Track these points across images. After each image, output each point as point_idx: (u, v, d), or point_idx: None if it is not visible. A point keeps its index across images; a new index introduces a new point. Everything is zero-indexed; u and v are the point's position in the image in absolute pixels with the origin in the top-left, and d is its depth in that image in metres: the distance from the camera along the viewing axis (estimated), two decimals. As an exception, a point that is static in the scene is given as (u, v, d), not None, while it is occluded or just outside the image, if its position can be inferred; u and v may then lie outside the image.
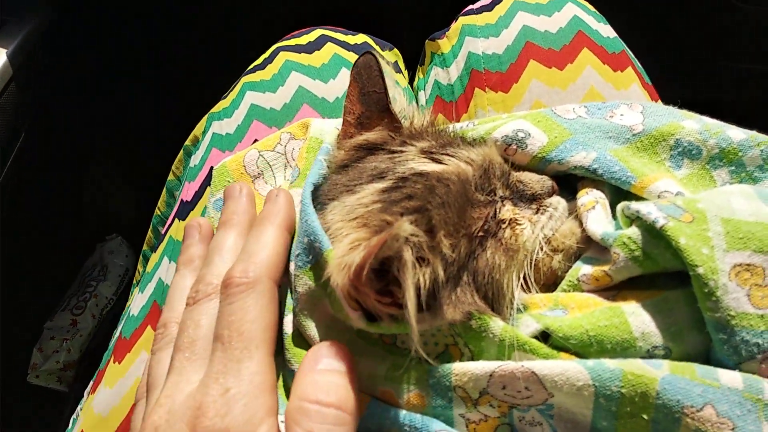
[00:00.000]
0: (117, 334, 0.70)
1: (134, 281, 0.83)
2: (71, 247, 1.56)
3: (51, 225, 1.40)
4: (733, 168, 0.54)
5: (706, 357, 0.46)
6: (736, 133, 0.54)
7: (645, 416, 0.41)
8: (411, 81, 0.88)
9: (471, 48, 0.74)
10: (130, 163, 1.59)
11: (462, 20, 0.78)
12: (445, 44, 0.79)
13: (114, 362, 0.65)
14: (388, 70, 0.55)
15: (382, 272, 0.43)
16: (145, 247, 0.83)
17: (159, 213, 0.83)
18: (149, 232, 0.83)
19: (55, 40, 1.22)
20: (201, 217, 0.61)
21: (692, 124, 0.55)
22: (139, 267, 0.84)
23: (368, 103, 0.56)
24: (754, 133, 0.54)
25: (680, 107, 0.58)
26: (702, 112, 0.57)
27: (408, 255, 0.42)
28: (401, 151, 0.53)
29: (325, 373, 0.42)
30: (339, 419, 0.39)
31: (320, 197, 0.52)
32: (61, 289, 1.54)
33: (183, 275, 0.53)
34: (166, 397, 0.42)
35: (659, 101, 0.72)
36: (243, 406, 0.39)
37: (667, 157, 0.54)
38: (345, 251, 0.44)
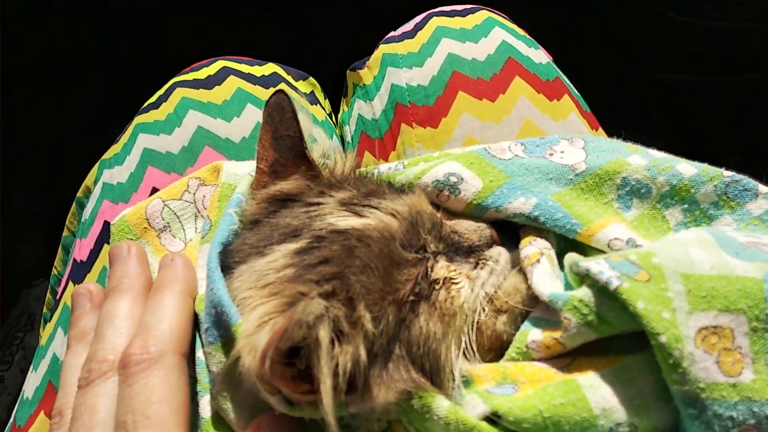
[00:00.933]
0: (11, 420, 0.61)
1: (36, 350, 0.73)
2: None
3: None
4: (686, 206, 0.50)
5: (676, 429, 0.40)
6: (686, 168, 0.50)
7: None
8: (336, 113, 0.82)
9: (394, 79, 0.68)
10: (52, 204, 1.50)
11: (383, 48, 0.72)
12: (366, 75, 0.73)
13: None
14: (303, 111, 0.49)
15: (296, 359, 0.37)
16: (45, 310, 0.74)
17: (56, 272, 0.73)
18: (47, 293, 0.73)
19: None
20: (91, 282, 0.53)
21: (639, 160, 0.50)
22: (40, 331, 0.74)
23: (282, 149, 0.50)
24: (705, 166, 0.50)
25: (624, 139, 0.53)
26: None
27: (324, 334, 0.36)
28: (318, 203, 0.46)
29: None
30: None
31: (228, 260, 0.45)
32: None
33: (76, 352, 0.46)
34: None
35: (599, 129, 0.68)
36: None
37: (615, 197, 0.50)
38: (252, 329, 0.37)
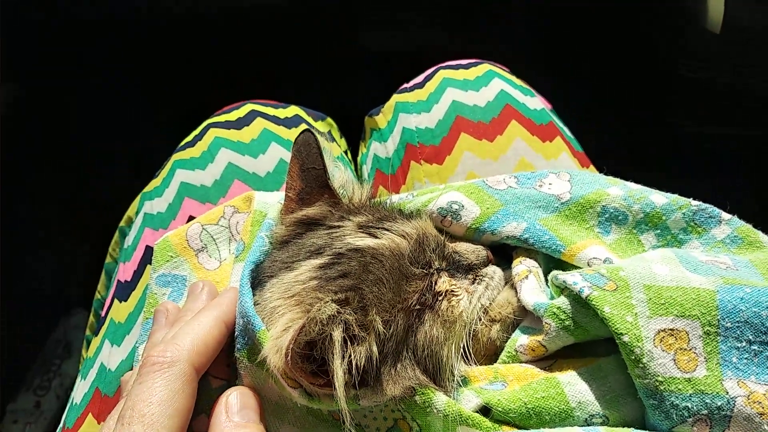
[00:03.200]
0: (61, 424, 0.67)
1: (80, 367, 0.80)
2: (33, 323, 1.49)
3: (12, 297, 1.35)
4: (658, 231, 0.56)
5: (642, 423, 0.46)
6: (658, 198, 0.57)
7: None
8: (354, 155, 0.90)
9: (405, 123, 0.77)
10: (91, 235, 1.57)
11: (396, 98, 0.81)
12: (381, 120, 0.82)
13: None
14: (326, 147, 0.57)
15: (314, 355, 0.43)
16: (87, 332, 0.81)
17: (99, 297, 0.81)
18: (90, 316, 0.81)
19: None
20: (170, 302, 0.59)
21: (617, 191, 0.57)
22: (83, 352, 0.81)
23: (308, 180, 0.57)
24: (675, 196, 0.57)
25: (606, 173, 0.61)
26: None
27: (337, 335, 0.42)
28: (339, 226, 0.53)
29: (244, 429, 0.43)
30: None
31: (260, 275, 0.52)
32: (22, 367, 1.46)
33: None
34: None
35: (591, 166, 0.75)
36: None
37: (596, 223, 0.57)
38: (279, 332, 0.44)
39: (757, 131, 1.52)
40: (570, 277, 0.48)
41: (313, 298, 0.46)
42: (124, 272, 0.70)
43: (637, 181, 0.60)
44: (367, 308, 0.46)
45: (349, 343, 0.43)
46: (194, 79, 1.54)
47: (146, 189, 0.76)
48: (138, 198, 0.76)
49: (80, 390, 0.66)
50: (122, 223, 0.78)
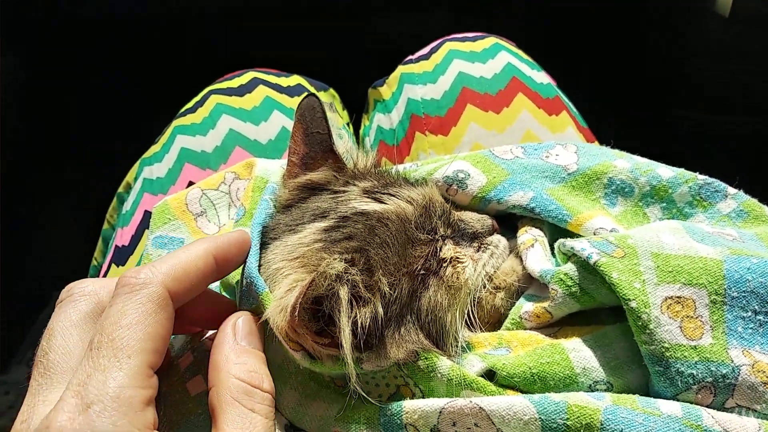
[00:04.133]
0: None
1: None
2: (27, 298, 1.49)
3: (5, 274, 1.34)
4: (664, 205, 0.56)
5: (646, 390, 0.46)
6: (665, 171, 0.57)
7: None
8: (356, 129, 0.90)
9: (410, 94, 0.76)
10: (88, 210, 1.57)
11: (401, 69, 0.81)
12: (385, 91, 0.81)
13: None
14: (331, 112, 0.56)
15: (320, 313, 0.43)
16: None
17: (95, 263, 0.80)
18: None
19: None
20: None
21: (623, 163, 0.57)
22: None
23: (312, 144, 0.57)
24: (681, 170, 0.57)
25: (613, 147, 0.60)
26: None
27: (343, 293, 0.42)
28: (344, 191, 0.53)
29: (249, 355, 0.42)
30: (270, 402, 0.40)
31: (264, 237, 0.52)
32: (16, 341, 1.47)
33: None
34: (21, 422, 0.36)
35: (595, 142, 0.75)
36: (110, 425, 0.33)
37: (602, 195, 0.56)
38: (283, 293, 0.44)
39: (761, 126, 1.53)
40: (578, 244, 0.48)
41: (319, 258, 0.46)
42: (122, 237, 0.69)
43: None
44: (372, 269, 0.46)
45: (354, 303, 0.43)
46: (194, 80, 1.54)
47: (145, 155, 0.76)
48: (137, 164, 0.76)
49: None
50: (120, 189, 0.78)
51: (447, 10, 1.53)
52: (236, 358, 0.41)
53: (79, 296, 0.41)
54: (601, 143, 0.77)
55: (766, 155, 1.48)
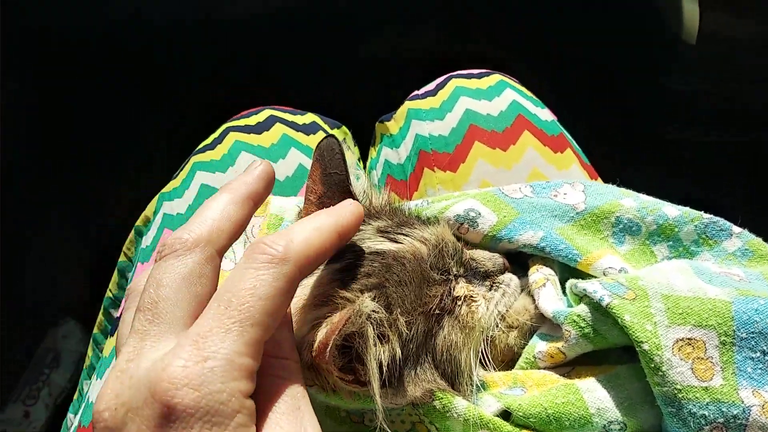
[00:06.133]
0: (75, 423, 0.66)
1: (84, 367, 0.80)
2: (21, 333, 1.48)
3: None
4: (671, 243, 0.57)
5: (659, 430, 0.47)
6: (671, 210, 0.58)
7: None
8: (363, 159, 0.91)
9: (418, 130, 0.77)
10: (80, 242, 1.56)
11: (408, 104, 0.82)
12: (393, 126, 0.82)
13: None
14: (349, 153, 0.57)
15: (344, 349, 0.43)
16: (95, 331, 0.81)
17: (111, 295, 0.81)
18: (100, 315, 0.80)
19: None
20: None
21: (630, 202, 0.58)
22: (89, 352, 0.81)
23: (329, 184, 0.57)
24: (687, 209, 0.58)
25: (619, 185, 0.62)
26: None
27: (370, 331, 0.43)
28: (359, 230, 0.54)
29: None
30: (294, 367, 0.39)
31: None
32: (11, 378, 1.45)
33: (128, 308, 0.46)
34: (127, 361, 0.36)
35: (598, 179, 0.77)
36: (220, 384, 0.33)
37: (610, 233, 0.58)
38: (306, 330, 0.45)
39: (742, 137, 1.56)
40: (590, 286, 0.49)
41: (342, 297, 0.47)
42: (140, 272, 0.70)
43: (630, 185, 0.62)
44: (392, 307, 0.47)
45: (377, 341, 0.44)
46: (195, 80, 1.55)
47: (165, 189, 0.76)
48: (155, 198, 0.76)
49: (96, 388, 0.66)
50: (138, 223, 0.78)
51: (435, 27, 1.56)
52: None
53: (183, 250, 0.39)
54: (602, 177, 0.79)
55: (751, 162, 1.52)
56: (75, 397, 0.81)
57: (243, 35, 1.50)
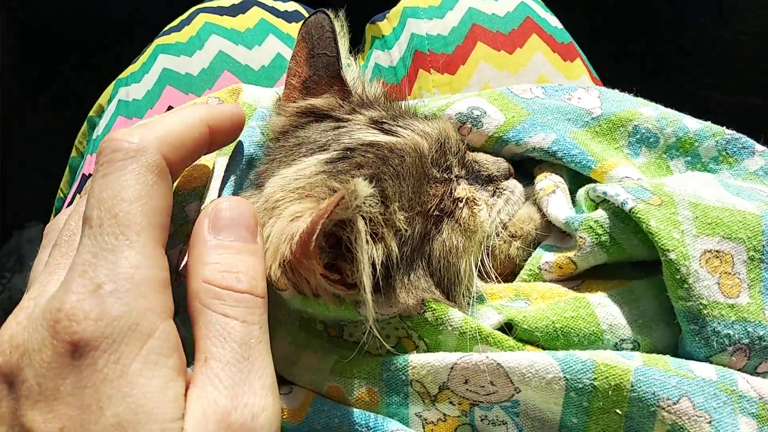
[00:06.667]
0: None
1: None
2: None
3: None
4: (689, 158, 0.53)
5: (674, 351, 0.43)
6: (692, 123, 0.53)
7: (619, 411, 0.38)
8: None
9: (414, 29, 0.70)
10: (51, 143, 1.49)
11: (403, 2, 0.74)
12: (386, 26, 0.75)
13: None
14: (340, 35, 0.50)
15: (330, 247, 0.39)
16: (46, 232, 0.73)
17: (61, 195, 0.74)
18: (52, 215, 0.73)
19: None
20: None
21: (650, 111, 0.53)
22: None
23: (317, 66, 0.51)
24: (709, 123, 0.53)
25: (636, 95, 0.56)
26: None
27: (361, 223, 0.37)
28: (348, 119, 0.48)
29: (226, 251, 0.35)
30: (252, 303, 0.34)
31: (258, 177, 0.46)
32: None
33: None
34: (29, 299, 0.33)
35: None
36: (123, 307, 0.30)
37: (626, 143, 0.52)
38: (285, 224, 0.39)
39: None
40: (611, 189, 0.44)
41: (326, 189, 0.40)
42: (90, 164, 0.63)
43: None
44: (388, 202, 0.41)
45: (369, 238, 0.38)
46: None
47: (121, 75, 0.69)
48: (111, 85, 0.68)
49: None
50: (92, 113, 0.71)
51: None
52: (208, 257, 0.35)
53: (124, 158, 0.34)
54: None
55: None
56: None
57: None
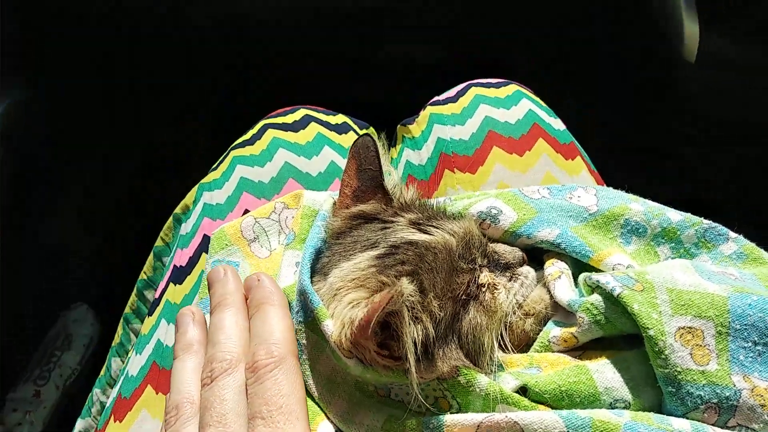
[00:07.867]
0: (115, 394, 0.71)
1: (113, 344, 0.85)
2: (33, 317, 1.50)
3: (12, 293, 1.36)
4: (673, 244, 0.63)
5: (659, 409, 0.53)
6: (674, 215, 0.64)
7: None
8: None
9: (440, 134, 0.83)
10: (94, 231, 1.58)
11: (430, 109, 0.88)
12: (415, 129, 0.88)
13: (114, 422, 0.66)
14: (382, 152, 0.63)
15: (380, 328, 0.49)
16: (127, 311, 0.86)
17: (145, 277, 0.85)
18: (132, 295, 0.85)
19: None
20: (192, 306, 0.62)
21: (638, 206, 0.64)
22: (119, 330, 0.86)
23: (364, 179, 0.63)
24: (688, 215, 0.64)
25: (627, 191, 0.68)
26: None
27: (405, 312, 0.48)
28: (393, 221, 0.59)
29: None
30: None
31: (323, 267, 0.58)
32: (23, 359, 1.48)
33: (183, 360, 0.53)
34: None
35: (604, 185, 0.83)
36: None
37: (618, 234, 0.63)
38: (345, 309, 0.50)
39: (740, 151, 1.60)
40: (603, 278, 0.54)
41: (377, 281, 0.52)
42: (181, 258, 0.74)
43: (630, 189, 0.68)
44: (425, 292, 0.52)
45: (411, 322, 0.49)
46: (196, 81, 1.58)
47: (205, 180, 0.81)
48: (195, 188, 0.81)
49: (136, 363, 0.71)
50: (177, 210, 0.83)
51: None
52: None
53: (231, 369, 0.49)
54: (608, 184, 0.85)
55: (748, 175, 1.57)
56: (102, 373, 0.86)
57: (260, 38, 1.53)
